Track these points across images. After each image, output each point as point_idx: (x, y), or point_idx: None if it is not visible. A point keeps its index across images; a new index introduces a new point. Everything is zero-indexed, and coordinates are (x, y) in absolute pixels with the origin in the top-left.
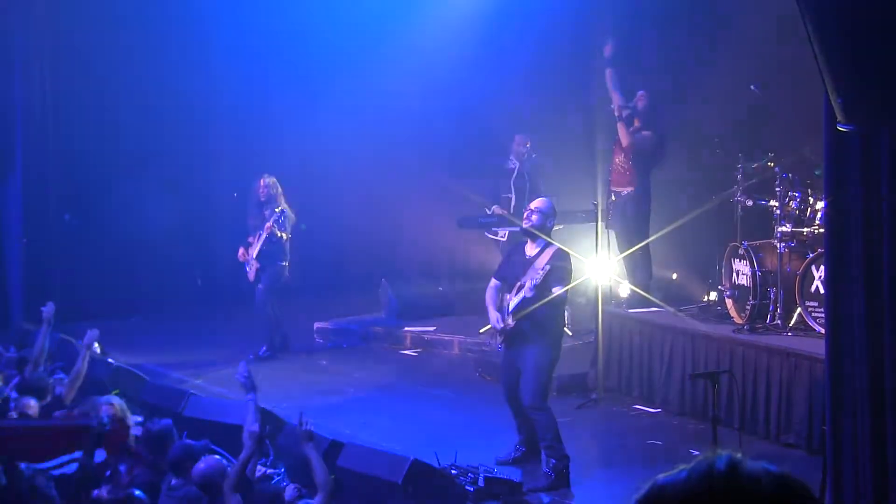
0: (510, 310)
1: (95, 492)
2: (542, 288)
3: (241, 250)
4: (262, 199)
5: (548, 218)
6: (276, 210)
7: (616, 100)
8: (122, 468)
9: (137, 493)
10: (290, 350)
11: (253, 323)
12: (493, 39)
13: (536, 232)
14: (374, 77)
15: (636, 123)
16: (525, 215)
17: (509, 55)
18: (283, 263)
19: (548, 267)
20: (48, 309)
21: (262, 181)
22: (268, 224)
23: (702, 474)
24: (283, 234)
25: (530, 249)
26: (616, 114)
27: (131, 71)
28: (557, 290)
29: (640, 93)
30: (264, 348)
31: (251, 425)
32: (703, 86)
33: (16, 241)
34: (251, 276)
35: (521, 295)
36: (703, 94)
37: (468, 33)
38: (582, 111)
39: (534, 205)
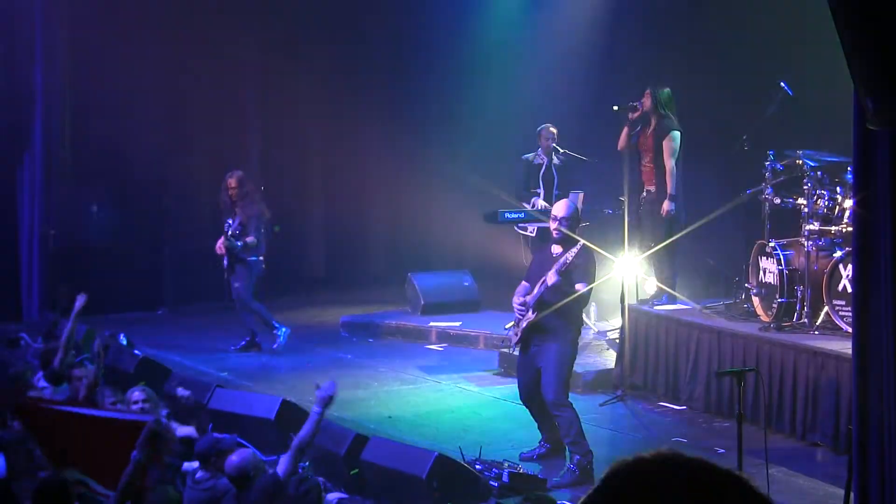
0: (531, 302)
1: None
2: (564, 282)
3: (219, 243)
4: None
5: (573, 221)
6: (231, 220)
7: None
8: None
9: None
10: (263, 347)
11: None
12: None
13: (566, 238)
14: (392, 72)
15: (653, 122)
16: (552, 226)
17: (533, 48)
18: (257, 258)
19: (570, 261)
20: (80, 300)
21: (229, 180)
22: (220, 244)
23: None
24: (247, 241)
25: (555, 248)
26: (630, 117)
27: (154, 59)
28: (581, 287)
29: (646, 92)
30: (244, 341)
31: (305, 435)
32: (732, 83)
33: (38, 231)
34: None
35: (541, 288)
36: (731, 91)
37: (489, 29)
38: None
39: (557, 213)
